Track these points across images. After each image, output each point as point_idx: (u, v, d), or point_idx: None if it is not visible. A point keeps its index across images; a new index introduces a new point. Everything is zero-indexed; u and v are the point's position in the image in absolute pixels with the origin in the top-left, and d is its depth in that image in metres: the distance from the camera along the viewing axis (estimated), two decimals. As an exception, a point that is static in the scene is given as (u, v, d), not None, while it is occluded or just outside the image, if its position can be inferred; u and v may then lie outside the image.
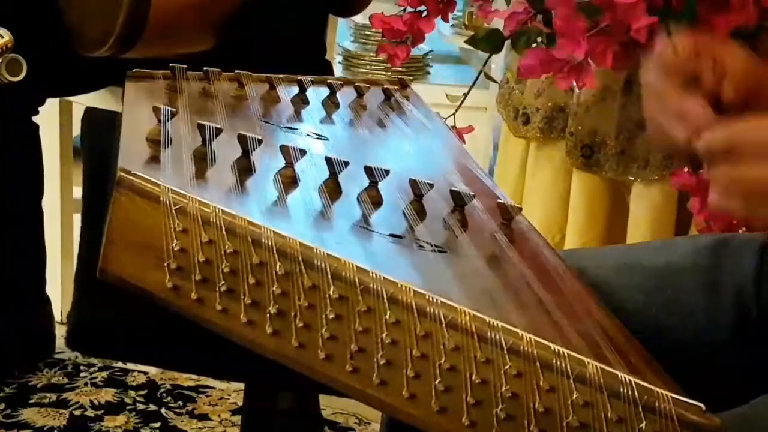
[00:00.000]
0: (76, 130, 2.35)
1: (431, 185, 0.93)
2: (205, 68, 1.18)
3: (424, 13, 1.72)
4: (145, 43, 1.68)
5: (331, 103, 1.21)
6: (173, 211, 0.76)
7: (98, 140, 2.21)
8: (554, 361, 0.72)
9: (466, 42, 1.84)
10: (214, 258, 0.76)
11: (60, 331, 2.28)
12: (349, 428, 2.11)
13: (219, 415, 2.11)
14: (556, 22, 1.49)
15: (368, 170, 0.93)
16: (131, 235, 0.77)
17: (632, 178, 2.04)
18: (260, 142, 0.90)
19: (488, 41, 1.73)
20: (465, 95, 1.81)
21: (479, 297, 0.79)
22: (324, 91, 1.23)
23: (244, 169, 0.89)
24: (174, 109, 0.93)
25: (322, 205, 0.89)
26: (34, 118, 2.07)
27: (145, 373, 2.23)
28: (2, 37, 1.20)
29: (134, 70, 1.16)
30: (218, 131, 0.90)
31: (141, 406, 2.11)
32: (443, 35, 3.42)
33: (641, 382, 0.71)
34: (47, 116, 2.30)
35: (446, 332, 0.73)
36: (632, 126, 2.03)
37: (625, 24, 1.47)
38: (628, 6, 1.45)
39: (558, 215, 2.16)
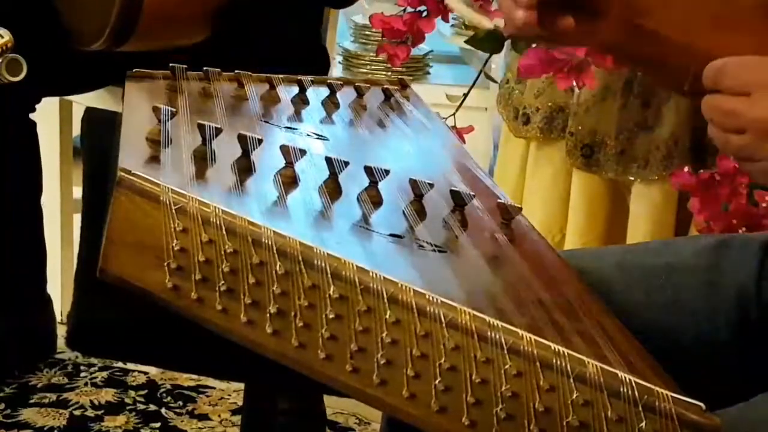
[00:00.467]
0: (76, 130, 2.35)
1: (431, 185, 0.93)
2: (205, 68, 1.18)
3: (424, 13, 1.72)
4: (140, 35, 1.68)
5: (331, 103, 1.21)
6: (173, 211, 0.76)
7: (98, 140, 2.22)
8: (554, 361, 0.72)
9: (466, 42, 1.84)
10: (214, 258, 0.76)
11: (60, 331, 2.28)
12: (349, 428, 2.11)
13: (219, 415, 2.11)
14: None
15: (368, 170, 0.93)
16: (131, 235, 0.77)
17: (632, 178, 2.05)
18: (260, 142, 0.90)
19: (488, 41, 1.74)
20: (465, 95, 1.82)
21: (479, 297, 0.79)
22: (324, 91, 1.23)
23: (244, 169, 0.89)
24: (174, 109, 0.93)
25: (322, 205, 0.89)
26: (32, 116, 2.07)
27: (145, 373, 2.23)
28: (2, 37, 1.20)
29: (134, 70, 1.16)
30: (218, 131, 0.90)
31: (141, 406, 2.11)
32: (443, 35, 3.42)
33: (641, 382, 0.71)
34: (47, 116, 2.31)
35: (446, 332, 0.73)
36: (632, 126, 2.04)
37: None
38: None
39: (558, 215, 2.16)
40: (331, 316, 0.75)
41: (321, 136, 1.10)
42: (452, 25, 3.46)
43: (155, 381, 2.20)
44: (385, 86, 1.30)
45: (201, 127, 0.89)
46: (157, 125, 0.91)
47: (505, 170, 2.30)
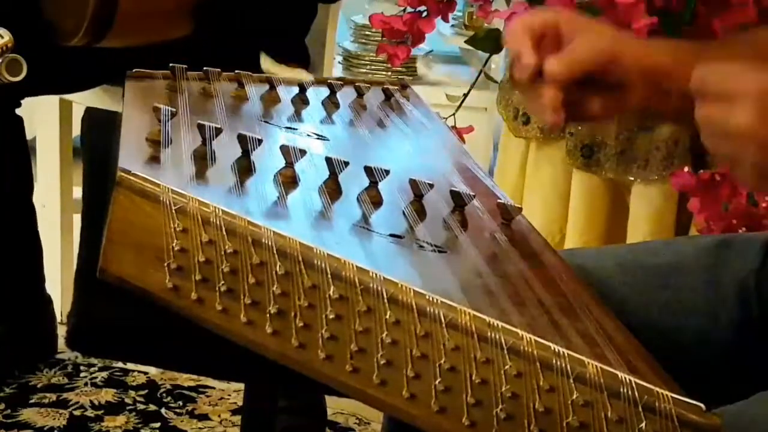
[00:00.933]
0: (76, 130, 2.35)
1: (431, 185, 0.93)
2: (205, 68, 1.18)
3: (424, 13, 1.72)
4: (120, 30, 1.69)
5: (331, 103, 1.21)
6: (173, 211, 0.76)
7: (98, 140, 2.22)
8: (554, 361, 0.72)
9: (466, 42, 1.84)
10: (214, 258, 0.76)
11: (60, 331, 2.28)
12: (349, 428, 2.11)
13: (219, 415, 2.11)
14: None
15: (368, 170, 0.93)
16: (131, 235, 0.77)
17: (632, 178, 2.04)
18: (260, 142, 0.90)
19: (488, 41, 1.74)
20: (465, 95, 1.82)
21: (479, 297, 0.79)
22: (324, 91, 1.23)
23: (244, 169, 0.89)
24: (174, 109, 0.93)
25: (322, 205, 0.89)
26: (30, 114, 2.07)
27: (145, 373, 2.23)
28: (2, 37, 1.20)
29: (134, 70, 1.16)
30: (218, 131, 0.90)
31: (141, 406, 2.11)
32: (443, 35, 3.42)
33: (641, 382, 0.71)
34: (47, 116, 2.31)
35: (446, 332, 0.73)
36: (632, 126, 2.03)
37: (625, 24, 1.47)
38: (628, 6, 1.45)
39: (558, 215, 2.16)
40: (331, 316, 0.75)
41: (321, 136, 1.10)
42: (452, 25, 3.46)
43: (155, 381, 2.20)
44: (385, 86, 1.30)
45: (201, 127, 0.89)
46: (157, 125, 0.91)
47: (505, 170, 2.30)
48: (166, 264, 0.76)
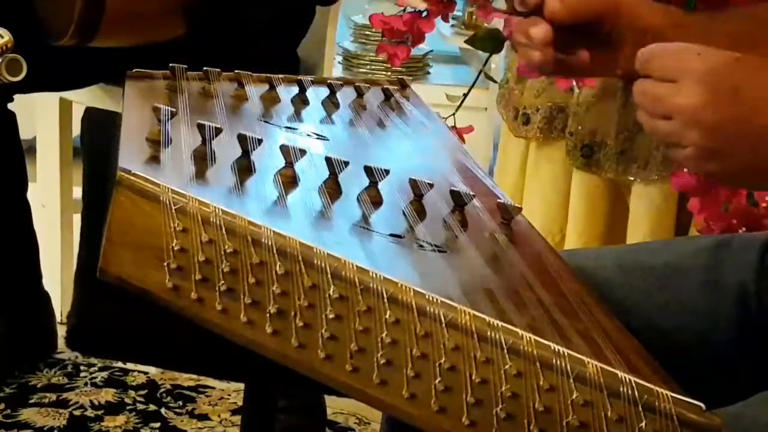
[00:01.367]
0: (76, 130, 2.35)
1: (431, 185, 0.93)
2: (205, 68, 1.18)
3: (424, 13, 1.72)
4: (109, 30, 1.69)
5: (331, 103, 1.21)
6: (173, 211, 0.76)
7: (98, 140, 2.22)
8: (554, 361, 0.72)
9: (466, 42, 1.84)
10: (214, 258, 0.76)
11: (60, 331, 2.28)
12: (349, 428, 2.11)
13: (219, 415, 2.11)
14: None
15: (368, 170, 0.93)
16: (131, 235, 0.77)
17: (632, 178, 2.05)
18: (260, 142, 0.90)
19: (488, 41, 1.74)
20: (465, 95, 1.81)
21: (479, 297, 0.79)
22: (324, 91, 1.23)
23: (244, 169, 0.89)
24: (174, 109, 0.93)
25: (322, 205, 0.89)
26: (30, 112, 2.06)
27: (145, 373, 2.23)
28: (2, 37, 1.20)
29: (134, 70, 1.16)
30: (218, 131, 0.90)
31: (141, 406, 2.11)
32: (443, 35, 3.42)
33: (641, 382, 0.71)
34: (47, 116, 2.31)
35: (446, 332, 0.73)
36: (632, 126, 2.03)
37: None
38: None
39: (558, 215, 2.16)
40: (331, 316, 0.75)
41: (321, 136, 1.10)
42: (452, 25, 3.46)
43: (155, 381, 2.20)
44: (385, 86, 1.30)
45: (201, 127, 0.89)
46: (157, 125, 0.91)
47: (505, 170, 2.30)
48: (166, 264, 0.76)
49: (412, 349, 0.74)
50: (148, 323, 1.06)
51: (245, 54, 1.80)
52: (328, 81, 1.25)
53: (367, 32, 3.51)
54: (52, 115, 2.31)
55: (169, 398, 2.15)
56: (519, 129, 2.21)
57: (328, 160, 0.92)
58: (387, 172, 0.93)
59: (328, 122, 1.17)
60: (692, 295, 1.06)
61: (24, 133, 2.10)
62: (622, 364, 0.74)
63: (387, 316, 0.74)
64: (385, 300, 0.74)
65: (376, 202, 0.92)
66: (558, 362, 0.72)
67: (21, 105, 2.03)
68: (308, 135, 1.10)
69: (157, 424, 2.06)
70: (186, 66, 1.16)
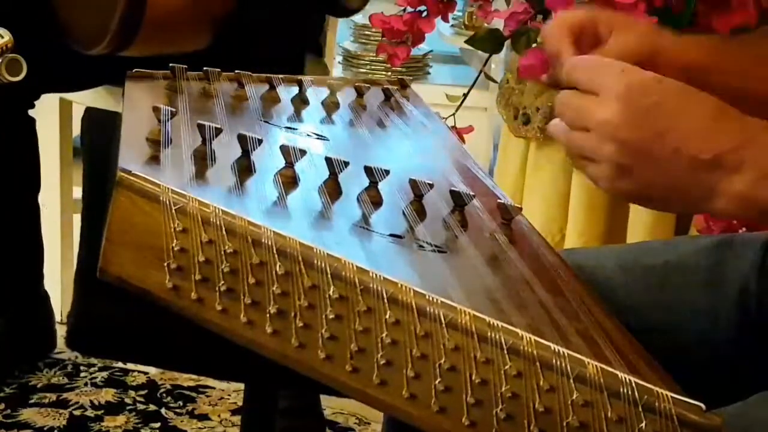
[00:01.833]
0: (76, 130, 2.35)
1: (431, 185, 0.93)
2: (205, 68, 1.18)
3: (424, 13, 1.72)
4: (142, 41, 1.67)
5: (331, 103, 1.21)
6: (173, 211, 0.76)
7: (98, 140, 2.22)
8: (554, 361, 0.72)
9: (466, 42, 1.84)
10: (214, 258, 0.76)
11: (60, 331, 2.29)
12: (349, 428, 2.11)
13: (219, 415, 2.11)
14: (556, 22, 1.48)
15: (368, 170, 0.93)
16: (131, 235, 0.77)
17: (632, 178, 2.04)
18: (260, 142, 0.90)
19: (488, 41, 1.74)
20: (465, 95, 1.81)
21: (479, 297, 0.79)
22: (324, 91, 1.23)
23: (244, 169, 0.89)
24: (174, 109, 0.93)
25: (322, 205, 0.89)
26: (32, 114, 2.07)
27: (145, 373, 2.23)
28: (2, 37, 1.20)
29: (134, 70, 1.16)
30: (218, 131, 0.90)
31: (141, 406, 2.11)
32: (443, 35, 3.42)
33: (641, 382, 0.71)
34: (47, 116, 2.31)
35: (446, 332, 0.73)
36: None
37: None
38: (628, 6, 1.45)
39: (558, 215, 2.16)
40: (331, 316, 0.75)
41: (321, 136, 1.10)
42: (452, 25, 3.46)
43: (155, 381, 2.20)
44: (385, 86, 1.30)
45: (201, 127, 0.89)
46: (157, 125, 0.91)
47: (505, 170, 2.30)
48: (166, 264, 0.76)
49: (412, 350, 0.74)
50: (148, 323, 1.06)
51: (245, 54, 1.80)
52: (328, 81, 1.25)
53: (367, 32, 3.52)
54: (52, 115, 2.31)
55: (169, 398, 2.15)
56: (519, 129, 2.21)
57: (328, 160, 0.92)
58: (387, 172, 0.93)
59: (328, 122, 1.17)
60: (692, 295, 1.06)
61: (24, 133, 2.11)
62: (622, 364, 0.74)
63: (387, 317, 0.74)
64: (385, 300, 0.74)
65: (376, 202, 0.92)
66: (558, 362, 0.72)
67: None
68: (308, 135, 1.10)
69: (157, 424, 2.06)
70: (186, 66, 1.16)
